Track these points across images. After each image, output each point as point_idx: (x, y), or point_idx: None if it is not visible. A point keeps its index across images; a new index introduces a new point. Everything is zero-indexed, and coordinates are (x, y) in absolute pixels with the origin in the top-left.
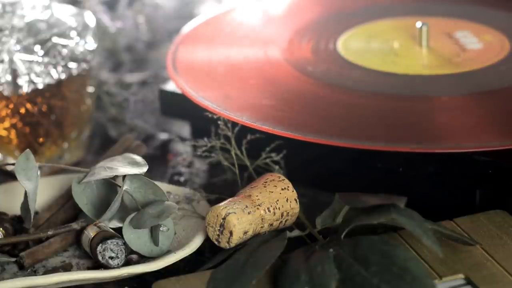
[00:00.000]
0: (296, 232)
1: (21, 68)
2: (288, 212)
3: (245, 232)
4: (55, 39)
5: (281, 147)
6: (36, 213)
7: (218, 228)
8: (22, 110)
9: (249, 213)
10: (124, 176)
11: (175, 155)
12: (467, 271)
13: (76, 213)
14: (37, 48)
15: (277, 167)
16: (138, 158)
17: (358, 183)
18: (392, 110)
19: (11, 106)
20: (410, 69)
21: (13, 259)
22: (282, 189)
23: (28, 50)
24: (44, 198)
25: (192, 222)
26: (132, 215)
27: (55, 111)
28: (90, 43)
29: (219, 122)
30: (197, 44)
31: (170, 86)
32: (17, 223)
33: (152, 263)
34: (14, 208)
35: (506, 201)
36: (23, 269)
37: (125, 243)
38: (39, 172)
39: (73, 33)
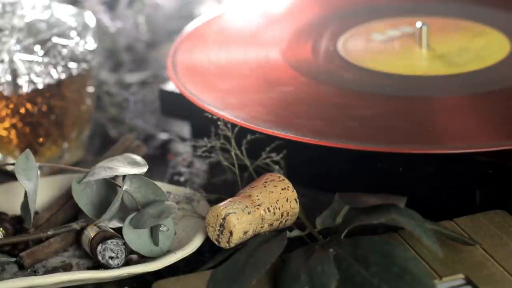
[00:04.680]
0: (296, 232)
1: (21, 68)
2: (288, 212)
3: (245, 232)
4: (55, 39)
5: (281, 147)
6: (36, 213)
7: (218, 228)
8: (22, 110)
9: (249, 213)
10: (124, 176)
11: (175, 155)
12: (467, 271)
13: (76, 213)
14: (37, 48)
15: (277, 167)
16: (138, 158)
17: (358, 183)
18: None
19: (11, 106)
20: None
21: (13, 259)
22: (282, 189)
23: (28, 50)
24: (44, 198)
25: (192, 222)
26: (132, 215)
27: (55, 111)
28: (90, 43)
29: (219, 123)
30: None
31: (170, 86)
32: (17, 223)
33: (152, 263)
34: (14, 208)
35: (506, 201)
36: (23, 269)
37: (125, 243)
38: (39, 172)
39: (73, 33)
